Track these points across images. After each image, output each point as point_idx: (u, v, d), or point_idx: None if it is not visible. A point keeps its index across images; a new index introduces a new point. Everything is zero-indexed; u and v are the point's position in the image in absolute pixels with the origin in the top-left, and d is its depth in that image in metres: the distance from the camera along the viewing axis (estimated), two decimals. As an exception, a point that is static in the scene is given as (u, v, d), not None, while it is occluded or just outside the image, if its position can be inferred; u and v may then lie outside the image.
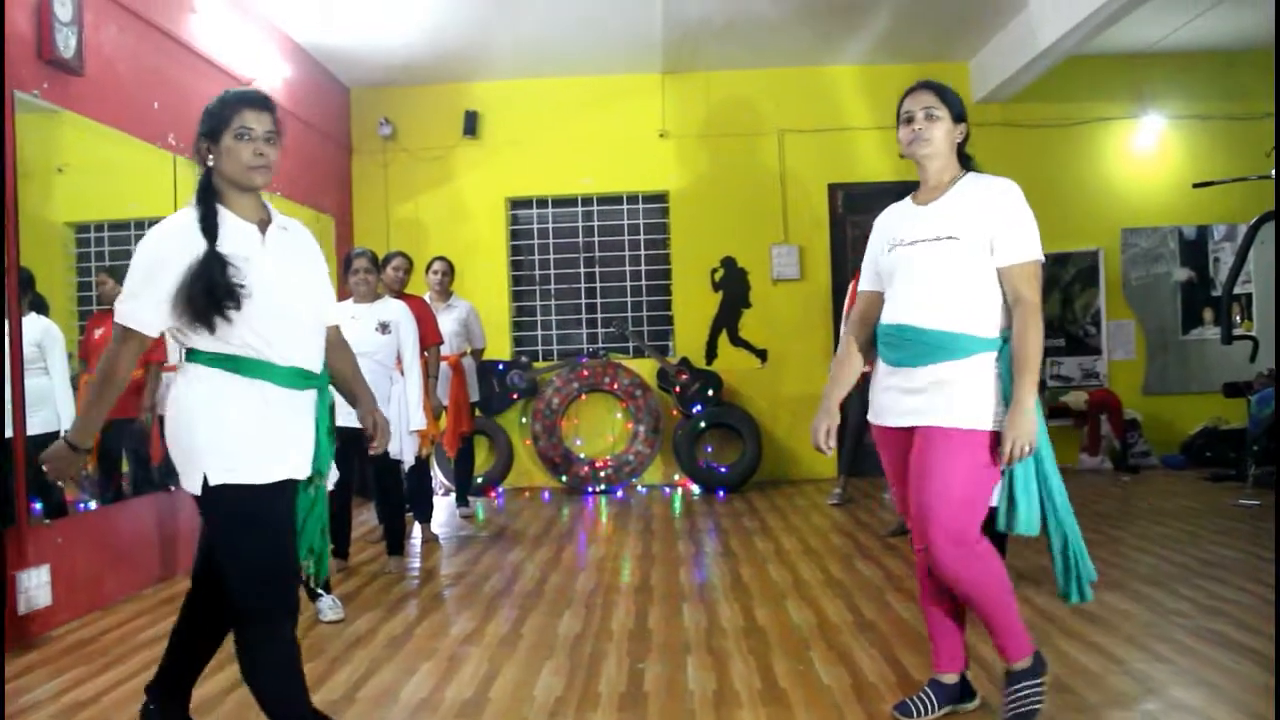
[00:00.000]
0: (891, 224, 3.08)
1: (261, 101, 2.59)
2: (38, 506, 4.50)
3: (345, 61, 8.05)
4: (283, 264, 2.60)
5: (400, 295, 5.97)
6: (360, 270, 5.43)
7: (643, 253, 9.04)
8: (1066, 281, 8.75)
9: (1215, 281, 8.72)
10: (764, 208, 8.76)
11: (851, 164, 8.74)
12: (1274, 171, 5.43)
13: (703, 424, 8.41)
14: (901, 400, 2.93)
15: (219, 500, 2.48)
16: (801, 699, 3.29)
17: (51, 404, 4.63)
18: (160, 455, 5.58)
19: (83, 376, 5.07)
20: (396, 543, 5.61)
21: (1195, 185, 7.18)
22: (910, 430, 2.92)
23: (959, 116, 3.00)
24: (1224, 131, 8.54)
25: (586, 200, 9.01)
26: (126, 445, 5.37)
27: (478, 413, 7.44)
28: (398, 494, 5.65)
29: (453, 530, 6.72)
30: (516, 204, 9.05)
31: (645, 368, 8.66)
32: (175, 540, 5.55)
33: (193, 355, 2.55)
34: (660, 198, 8.97)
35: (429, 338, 6.01)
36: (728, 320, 8.84)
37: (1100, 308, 8.76)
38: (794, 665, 3.62)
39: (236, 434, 2.49)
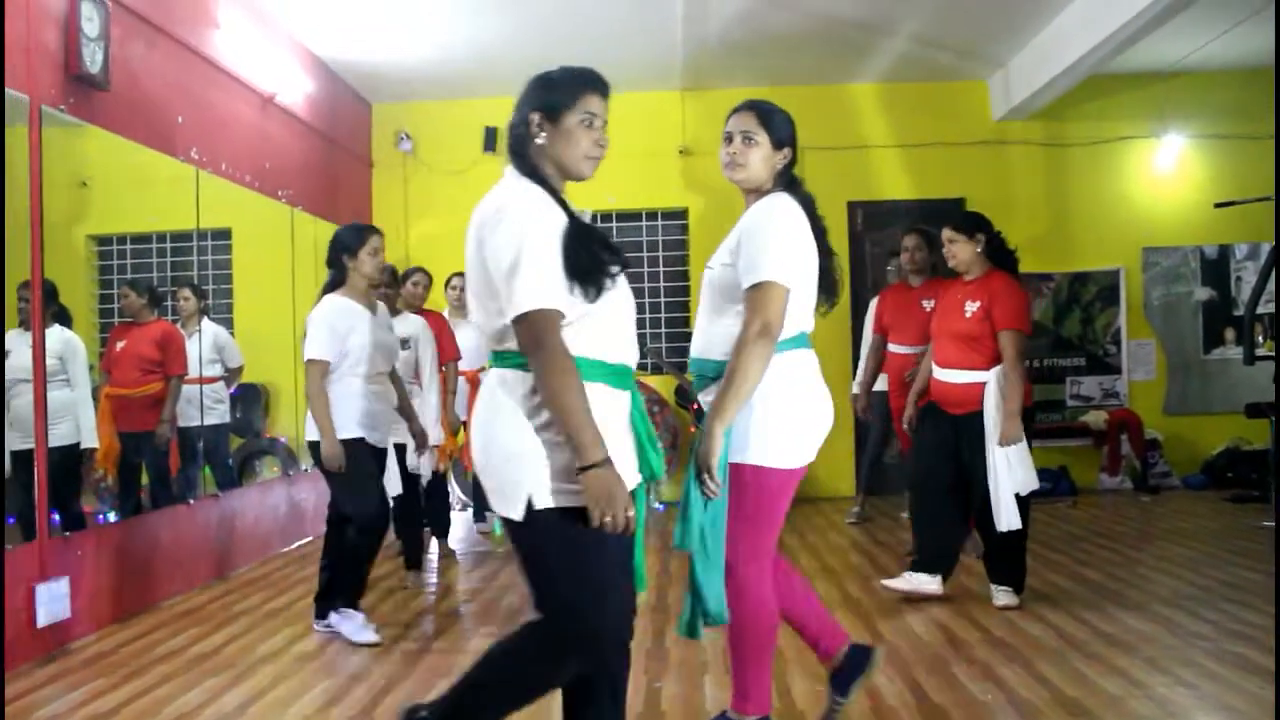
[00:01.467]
0: None
1: (607, 89, 2.31)
2: (57, 519, 4.52)
3: (367, 76, 8.10)
4: None
5: (419, 311, 6.00)
6: (380, 285, 5.45)
7: (661, 269, 9.05)
8: (1087, 300, 8.70)
9: (1237, 301, 8.66)
10: (783, 225, 8.72)
11: (870, 182, 8.72)
12: (1274, 195, 5.38)
13: (720, 441, 8.38)
14: None
15: (550, 526, 2.14)
16: (819, 720, 3.26)
17: (73, 416, 4.66)
18: (178, 467, 5.61)
19: (103, 389, 5.10)
20: (414, 558, 5.64)
21: (1217, 205, 7.14)
22: None
23: (781, 142, 2.84)
24: (1245, 151, 8.47)
25: (605, 217, 9.02)
26: (146, 458, 5.39)
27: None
28: (416, 509, 5.66)
29: (470, 546, 6.71)
30: (535, 220, 9.06)
31: (663, 384, 8.65)
32: (195, 554, 5.57)
33: (504, 359, 2.22)
34: (680, 214, 8.98)
35: (447, 353, 6.02)
36: (746, 337, 8.80)
37: (1121, 327, 8.70)
38: (812, 686, 3.59)
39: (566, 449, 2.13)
